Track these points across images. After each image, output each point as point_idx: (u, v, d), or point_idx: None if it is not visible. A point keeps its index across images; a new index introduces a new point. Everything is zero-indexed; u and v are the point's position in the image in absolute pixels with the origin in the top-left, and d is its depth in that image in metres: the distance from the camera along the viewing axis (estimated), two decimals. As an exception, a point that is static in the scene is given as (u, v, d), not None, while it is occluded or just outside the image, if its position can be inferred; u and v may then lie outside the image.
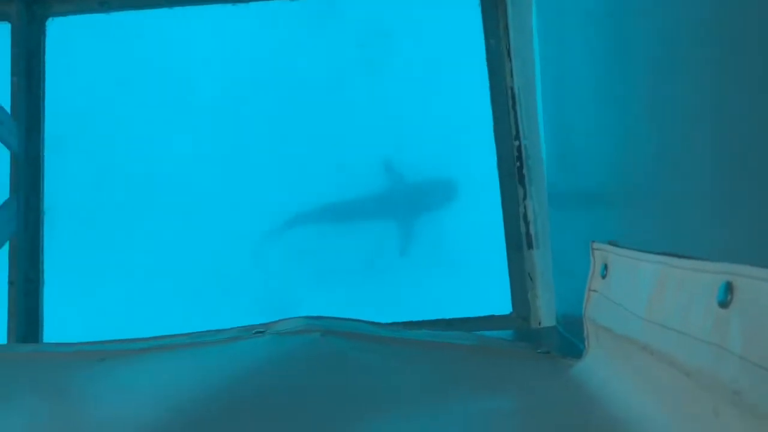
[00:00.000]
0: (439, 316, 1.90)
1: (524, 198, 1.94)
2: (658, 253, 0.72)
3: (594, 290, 0.91)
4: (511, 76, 2.00)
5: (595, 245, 0.93)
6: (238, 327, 1.05)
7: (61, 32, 2.07)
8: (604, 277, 0.89)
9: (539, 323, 1.91)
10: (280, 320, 1.04)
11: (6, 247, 1.93)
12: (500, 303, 1.94)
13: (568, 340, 1.14)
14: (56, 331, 1.93)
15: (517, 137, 1.96)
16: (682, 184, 0.74)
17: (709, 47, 0.65)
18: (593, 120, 0.97)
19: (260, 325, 1.06)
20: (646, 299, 0.71)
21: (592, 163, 1.02)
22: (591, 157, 1.01)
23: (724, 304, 0.54)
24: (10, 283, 1.93)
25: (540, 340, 1.25)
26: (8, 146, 1.96)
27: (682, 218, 0.75)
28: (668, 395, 0.62)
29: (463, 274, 1.98)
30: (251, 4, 2.05)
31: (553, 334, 1.23)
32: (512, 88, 1.99)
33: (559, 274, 1.27)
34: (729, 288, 0.54)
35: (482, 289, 1.99)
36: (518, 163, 1.96)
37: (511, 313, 1.92)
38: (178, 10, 2.06)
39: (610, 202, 0.97)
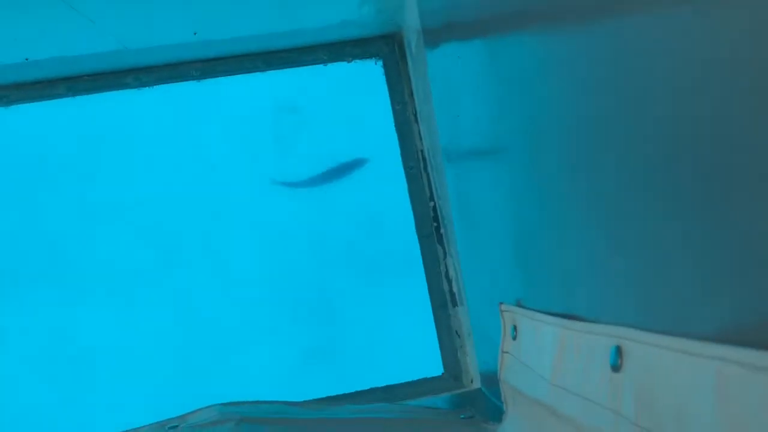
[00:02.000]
0: (372, 385, 1.88)
1: (444, 257, 1.96)
2: (557, 315, 0.73)
3: (506, 352, 0.92)
4: (420, 139, 2.05)
5: (504, 307, 0.94)
6: (150, 424, 1.01)
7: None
8: (514, 338, 0.90)
9: (471, 381, 1.91)
10: (194, 411, 1.01)
11: None
12: (432, 365, 1.93)
13: (492, 402, 1.14)
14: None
15: (432, 198, 1.99)
16: (576, 243, 0.76)
17: (583, 116, 0.68)
18: (487, 186, 1.00)
19: (175, 418, 1.02)
20: (550, 362, 0.72)
21: (492, 225, 1.04)
22: (489, 219, 1.03)
23: (616, 368, 0.55)
24: None
25: (467, 403, 1.25)
26: None
27: (579, 278, 0.77)
28: (577, 460, 0.62)
29: (393, 339, 1.97)
30: (155, 88, 2.05)
31: (476, 395, 1.23)
32: (422, 151, 2.03)
33: (478, 335, 1.27)
34: (619, 352, 0.55)
35: (414, 353, 1.98)
36: (435, 223, 1.99)
37: (443, 374, 1.91)
38: (81, 99, 2.04)
39: (514, 263, 0.99)
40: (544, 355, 0.74)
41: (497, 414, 1.00)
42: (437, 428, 0.96)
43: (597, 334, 0.60)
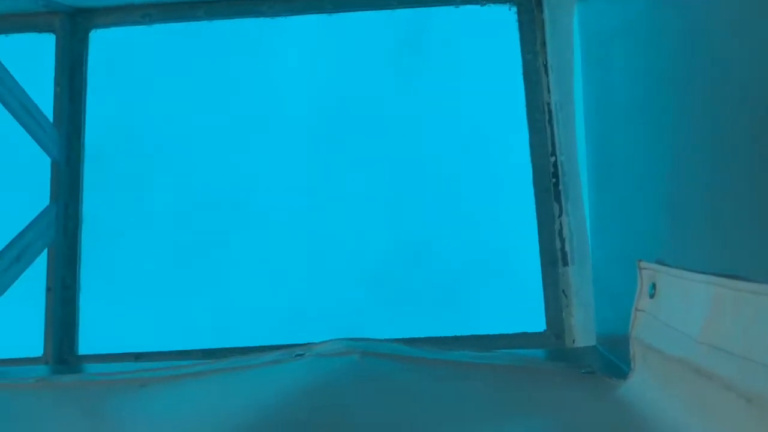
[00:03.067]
0: (472, 332, 1.89)
1: (560, 214, 1.92)
2: (711, 274, 0.71)
3: (641, 310, 0.90)
4: (548, 91, 1.99)
5: (643, 264, 0.92)
6: (278, 350, 1.06)
7: (104, 43, 2.11)
8: (652, 296, 0.88)
9: (573, 341, 1.89)
10: (319, 342, 1.04)
11: (44, 253, 1.96)
12: (534, 320, 1.92)
13: (609, 359, 1.12)
14: (91, 337, 1.95)
15: (554, 153, 1.95)
16: (734, 204, 0.73)
17: (759, 67, 0.64)
18: (639, 139, 0.96)
19: (300, 347, 1.06)
20: (700, 321, 0.70)
21: (637, 181, 1.00)
22: (636, 174, 1.00)
23: (789, 328, 0.53)
24: (48, 289, 1.96)
25: (579, 359, 1.23)
26: (49, 154, 1.99)
27: (733, 239, 0.73)
28: (724, 420, 0.60)
29: (497, 290, 1.96)
30: (288, 18, 2.07)
31: (593, 353, 1.21)
32: (548, 104, 1.98)
33: (599, 293, 1.25)
34: (794, 312, 0.52)
35: (516, 306, 1.97)
36: (554, 179, 1.94)
37: (544, 331, 1.90)
38: (218, 23, 2.10)
39: (656, 221, 0.95)
40: (693, 314, 0.72)
41: (615, 371, 0.98)
42: (558, 380, 0.96)
43: (766, 294, 0.57)
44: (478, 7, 2.11)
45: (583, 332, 1.79)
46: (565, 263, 1.90)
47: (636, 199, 1.02)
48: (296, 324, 1.87)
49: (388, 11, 2.14)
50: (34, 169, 2.03)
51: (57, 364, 1.89)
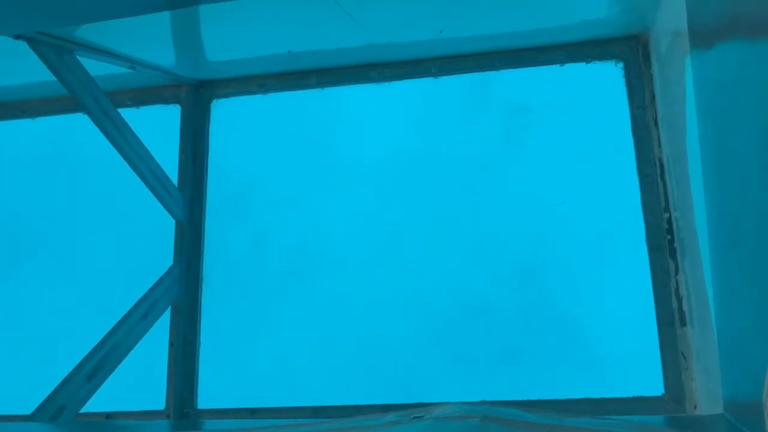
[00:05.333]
0: (586, 395, 1.83)
1: (676, 272, 1.85)
2: None
3: (776, 379, 0.85)
4: (659, 146, 1.95)
5: (776, 330, 0.88)
6: (395, 413, 1.07)
7: (224, 112, 2.25)
8: (787, 364, 0.83)
9: (695, 407, 1.78)
10: (436, 404, 1.05)
11: (168, 310, 2.08)
12: (651, 383, 1.84)
13: (739, 430, 1.06)
14: (210, 390, 2.03)
15: (667, 209, 1.89)
16: None
17: None
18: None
19: (417, 409, 1.06)
20: None
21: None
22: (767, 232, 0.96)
23: None
24: (170, 344, 2.06)
25: (704, 428, 1.17)
26: (174, 216, 2.13)
27: None
28: None
29: (612, 352, 1.90)
30: (395, 83, 2.15)
31: (720, 422, 1.15)
32: (660, 159, 1.93)
33: (725, 357, 1.19)
34: None
35: (631, 369, 1.89)
36: (669, 236, 1.88)
37: (663, 395, 1.81)
38: (329, 90, 2.20)
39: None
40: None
41: (748, 443, 0.93)
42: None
43: None
44: (583, 64, 2.11)
45: (706, 398, 1.69)
46: (683, 324, 1.81)
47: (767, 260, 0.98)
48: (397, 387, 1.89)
49: (493, 72, 2.18)
50: (160, 230, 2.17)
51: (178, 419, 1.98)
